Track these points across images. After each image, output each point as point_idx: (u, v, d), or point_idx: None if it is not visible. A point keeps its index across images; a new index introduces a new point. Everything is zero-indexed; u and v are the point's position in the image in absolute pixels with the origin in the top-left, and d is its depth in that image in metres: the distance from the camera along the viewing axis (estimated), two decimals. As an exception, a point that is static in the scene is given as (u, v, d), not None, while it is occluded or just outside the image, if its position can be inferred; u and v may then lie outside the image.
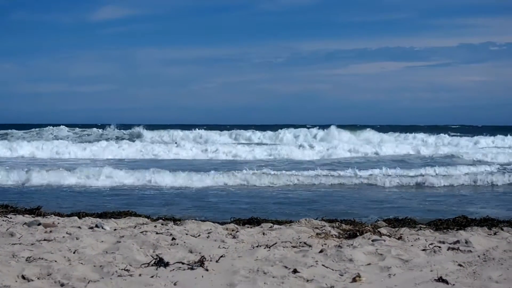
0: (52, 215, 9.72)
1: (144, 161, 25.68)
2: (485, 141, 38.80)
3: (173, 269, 5.76)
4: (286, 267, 5.89)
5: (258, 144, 34.19)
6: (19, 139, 35.02)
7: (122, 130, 43.13)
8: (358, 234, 7.60)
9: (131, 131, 41.69)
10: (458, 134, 42.75)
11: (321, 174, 18.17)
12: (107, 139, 35.25)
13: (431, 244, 7.03)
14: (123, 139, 36.26)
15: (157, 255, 6.16)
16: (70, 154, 27.78)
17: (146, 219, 9.41)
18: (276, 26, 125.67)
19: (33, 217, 9.44)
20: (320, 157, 27.91)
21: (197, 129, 40.98)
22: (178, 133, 40.23)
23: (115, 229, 8.11)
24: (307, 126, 44.11)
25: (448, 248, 6.80)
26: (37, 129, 43.16)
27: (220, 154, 28.41)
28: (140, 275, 5.54)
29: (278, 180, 17.31)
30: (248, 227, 8.63)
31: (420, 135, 40.89)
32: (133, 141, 34.59)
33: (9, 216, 9.40)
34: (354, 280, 5.52)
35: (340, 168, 20.38)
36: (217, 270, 5.75)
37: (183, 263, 5.92)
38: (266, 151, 28.79)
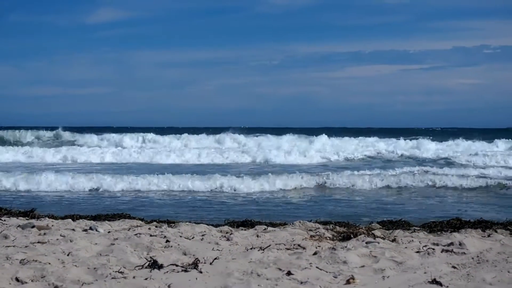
0: (46, 218, 9.70)
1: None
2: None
3: (167, 271, 5.75)
4: (280, 269, 5.89)
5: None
6: None
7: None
8: (352, 236, 7.61)
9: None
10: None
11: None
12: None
13: (425, 246, 7.05)
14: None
15: (151, 257, 6.16)
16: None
17: (140, 222, 9.40)
18: (271, 29, 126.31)
19: (27, 219, 9.41)
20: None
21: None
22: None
23: (109, 232, 8.10)
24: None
25: (442, 250, 6.81)
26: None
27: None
28: (134, 277, 5.54)
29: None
30: (242, 230, 8.63)
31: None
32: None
33: (3, 218, 9.38)
34: (348, 282, 5.53)
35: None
36: (211, 272, 5.75)
37: (177, 265, 5.91)
38: None
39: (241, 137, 37.88)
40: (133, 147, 33.86)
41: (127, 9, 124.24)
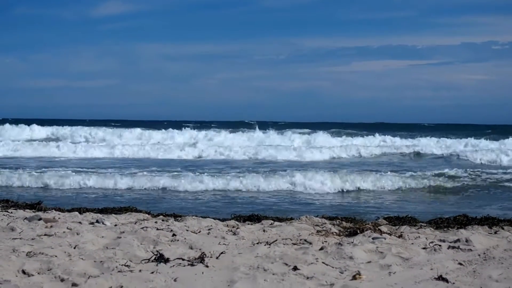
0: (53, 210, 9.73)
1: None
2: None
3: (174, 265, 5.76)
4: (286, 264, 5.89)
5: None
6: None
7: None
8: (358, 231, 7.60)
9: None
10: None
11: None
12: None
13: (432, 242, 7.03)
14: None
15: (157, 251, 6.17)
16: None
17: (147, 215, 9.42)
18: (278, 23, 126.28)
19: (34, 212, 9.45)
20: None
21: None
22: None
23: (115, 225, 8.12)
24: None
25: (449, 247, 6.79)
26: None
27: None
28: (140, 270, 5.54)
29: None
30: (248, 224, 8.63)
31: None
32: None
33: (10, 210, 9.42)
34: (354, 277, 5.52)
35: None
36: (217, 267, 5.76)
37: (183, 259, 5.92)
38: None
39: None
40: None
41: (131, 2, 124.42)
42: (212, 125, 41.35)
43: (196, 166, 21.52)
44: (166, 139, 36.63)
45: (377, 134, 37.79)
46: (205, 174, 17.24)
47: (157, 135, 38.23)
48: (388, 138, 36.80)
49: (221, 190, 15.49)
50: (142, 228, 7.65)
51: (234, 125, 46.13)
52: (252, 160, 25.37)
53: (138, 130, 39.43)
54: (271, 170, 19.44)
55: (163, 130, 39.64)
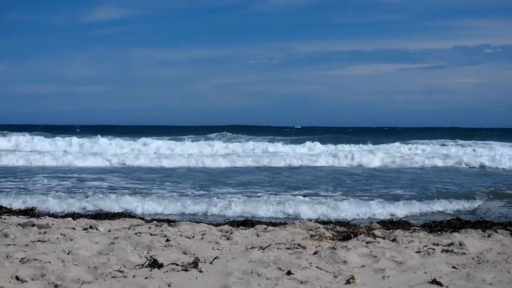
0: (46, 216, 9.70)
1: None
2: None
3: (167, 271, 5.75)
4: (280, 268, 5.89)
5: None
6: None
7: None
8: (352, 236, 7.61)
9: None
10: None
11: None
12: None
13: (425, 246, 7.04)
14: None
15: (151, 256, 6.16)
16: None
17: (141, 221, 9.40)
18: (271, 27, 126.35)
19: (27, 218, 9.42)
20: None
21: None
22: None
23: (109, 230, 8.10)
24: None
25: (442, 250, 6.81)
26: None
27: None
28: (134, 276, 5.54)
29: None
30: (242, 229, 8.62)
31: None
32: None
33: (3, 217, 9.38)
34: (348, 282, 5.53)
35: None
36: (211, 272, 5.75)
37: (177, 265, 5.91)
38: None
39: None
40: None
41: (125, 7, 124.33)
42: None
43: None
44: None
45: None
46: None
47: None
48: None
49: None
50: (136, 233, 7.64)
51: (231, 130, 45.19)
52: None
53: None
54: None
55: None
